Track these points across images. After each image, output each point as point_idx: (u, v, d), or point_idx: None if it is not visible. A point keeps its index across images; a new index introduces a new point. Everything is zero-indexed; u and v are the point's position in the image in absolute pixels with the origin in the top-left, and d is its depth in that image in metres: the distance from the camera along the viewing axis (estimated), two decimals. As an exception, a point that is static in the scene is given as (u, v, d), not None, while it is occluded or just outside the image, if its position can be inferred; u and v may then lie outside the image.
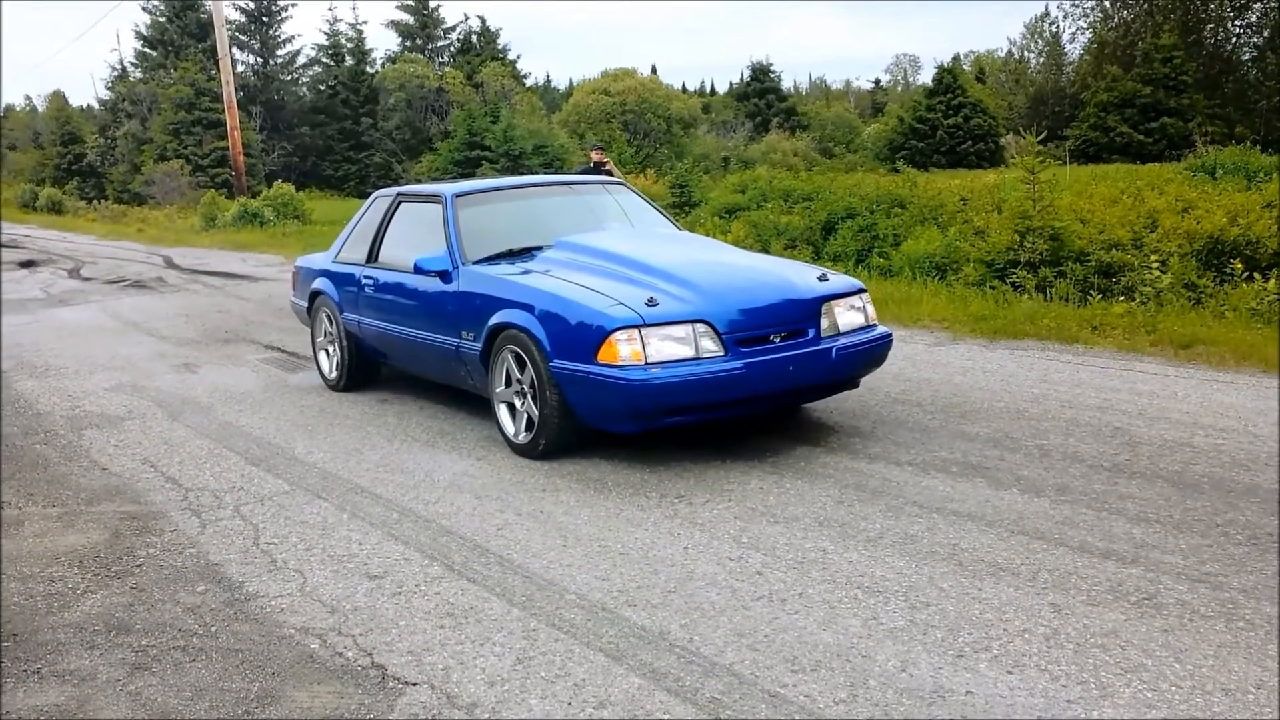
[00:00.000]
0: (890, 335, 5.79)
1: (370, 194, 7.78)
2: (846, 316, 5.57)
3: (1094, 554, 3.92)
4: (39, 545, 4.60)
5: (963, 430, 5.64)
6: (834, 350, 5.35)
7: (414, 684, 3.22)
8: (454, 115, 43.55)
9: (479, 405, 6.51)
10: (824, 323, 5.42)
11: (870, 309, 5.76)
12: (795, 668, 3.19)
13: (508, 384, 5.62)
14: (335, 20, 53.49)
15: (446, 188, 6.65)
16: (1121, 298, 8.72)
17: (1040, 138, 10.88)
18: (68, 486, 5.48)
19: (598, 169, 13.70)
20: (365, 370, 7.36)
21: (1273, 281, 8.20)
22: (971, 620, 3.45)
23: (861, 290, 5.75)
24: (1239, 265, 8.60)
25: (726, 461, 5.28)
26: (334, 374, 7.48)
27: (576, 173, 13.83)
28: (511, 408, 5.65)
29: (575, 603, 3.74)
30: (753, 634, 3.42)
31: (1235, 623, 3.34)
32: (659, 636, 3.44)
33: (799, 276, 5.67)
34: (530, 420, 5.48)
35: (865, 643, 3.33)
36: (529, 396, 5.45)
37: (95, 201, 43.78)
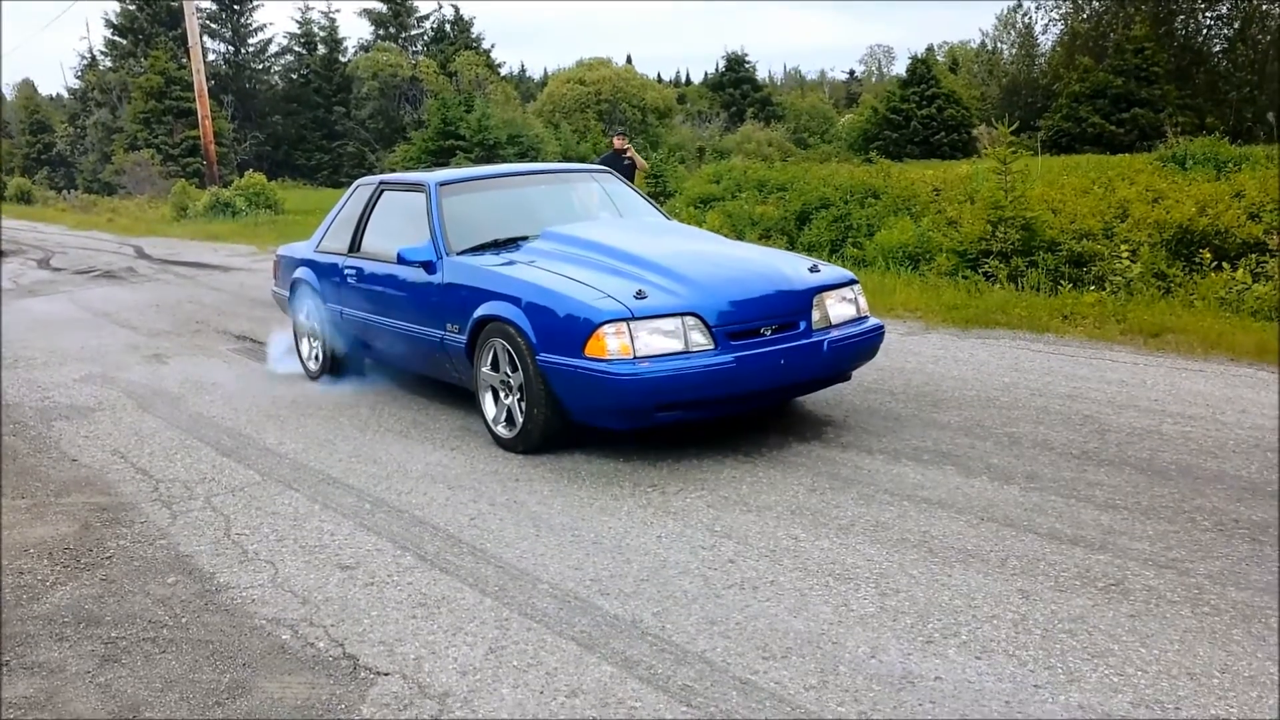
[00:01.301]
0: (882, 327, 5.74)
1: (348, 183, 7.72)
2: (838, 308, 5.51)
3: (1062, 540, 3.96)
4: (8, 537, 4.57)
5: (934, 419, 5.68)
6: (826, 343, 5.29)
7: (386, 674, 3.22)
8: (428, 104, 43.34)
9: (452, 396, 6.50)
10: (815, 315, 5.35)
11: (862, 300, 5.69)
12: (766, 655, 3.21)
13: (494, 369, 5.54)
14: (307, 8, 53.15)
15: (430, 176, 6.57)
16: (1092, 287, 8.79)
17: (1012, 128, 10.94)
18: (37, 478, 5.44)
19: (618, 157, 12.98)
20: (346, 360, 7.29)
21: (1241, 270, 8.29)
22: (941, 606, 3.47)
23: (854, 281, 5.69)
24: (1208, 255, 8.68)
25: (700, 451, 5.29)
26: (314, 363, 7.44)
27: (598, 161, 13.18)
28: (495, 394, 5.59)
29: (548, 592, 3.74)
30: (724, 622, 3.44)
31: (1201, 608, 3.38)
32: (631, 625, 3.45)
33: (790, 267, 5.59)
34: (514, 415, 5.44)
35: (836, 629, 3.35)
36: (515, 393, 5.39)
37: (65, 191, 43.39)
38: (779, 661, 3.17)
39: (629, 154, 13.03)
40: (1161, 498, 4.36)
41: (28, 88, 63.84)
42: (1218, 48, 45.87)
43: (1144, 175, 13.12)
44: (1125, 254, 8.90)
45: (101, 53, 51.43)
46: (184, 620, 3.68)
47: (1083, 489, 4.49)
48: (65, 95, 55.31)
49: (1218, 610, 3.36)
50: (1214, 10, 45.44)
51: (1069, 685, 2.96)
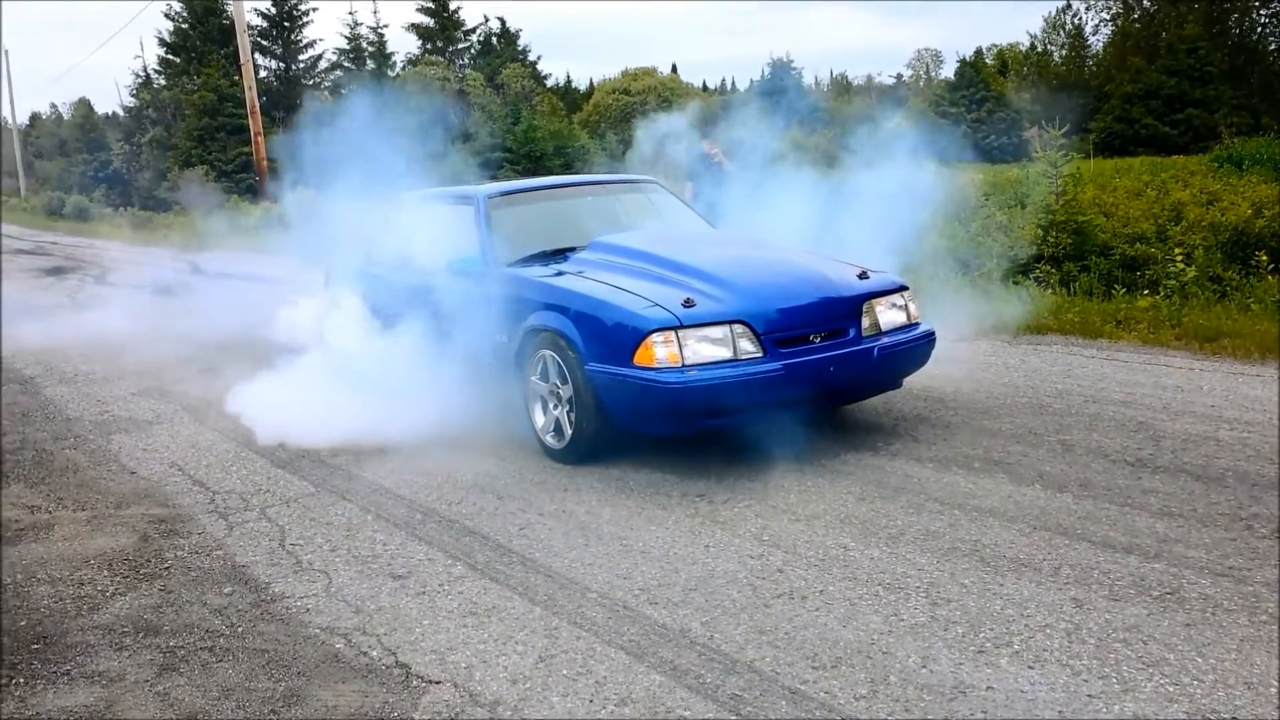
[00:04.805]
0: (933, 333, 5.67)
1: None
2: (888, 315, 5.47)
3: (1116, 549, 3.91)
4: (69, 549, 4.66)
5: (985, 426, 5.63)
6: (875, 350, 5.27)
7: (437, 682, 3.26)
8: (474, 117, 43.65)
9: (501, 406, 6.53)
10: (865, 321, 5.33)
11: (913, 306, 5.64)
12: (816, 665, 3.20)
13: (543, 379, 5.57)
14: (356, 24, 53.58)
15: (478, 189, 6.64)
16: (1146, 291, 8.68)
17: (1063, 131, 10.83)
18: (97, 490, 5.54)
19: (706, 160, 12.87)
20: None
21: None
22: (993, 616, 3.45)
23: (904, 287, 5.64)
24: (1264, 257, 8.53)
25: (747, 460, 5.28)
26: None
27: (694, 167, 13.12)
28: (544, 405, 5.62)
29: (597, 601, 3.76)
30: (773, 631, 3.44)
31: (1258, 616, 3.33)
32: (680, 634, 3.46)
33: (838, 274, 5.54)
34: (563, 425, 5.46)
35: (886, 639, 3.34)
36: (564, 405, 5.41)
37: (121, 208, 44.16)
38: (829, 671, 3.16)
39: (717, 157, 12.88)
40: (1218, 505, 4.29)
41: (84, 106, 65.00)
42: (1273, 46, 45.05)
43: (1198, 177, 12.95)
44: (1179, 257, 8.78)
45: (155, 71, 52.32)
46: (240, 630, 3.74)
47: (1137, 496, 4.44)
48: (121, 113, 56.24)
49: (1275, 618, 3.31)
50: (1269, 8, 44.65)
51: (1124, 695, 2.92)
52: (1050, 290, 9.19)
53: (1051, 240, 9.57)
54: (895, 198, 6.97)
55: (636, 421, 5.19)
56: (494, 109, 40.52)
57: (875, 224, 6.75)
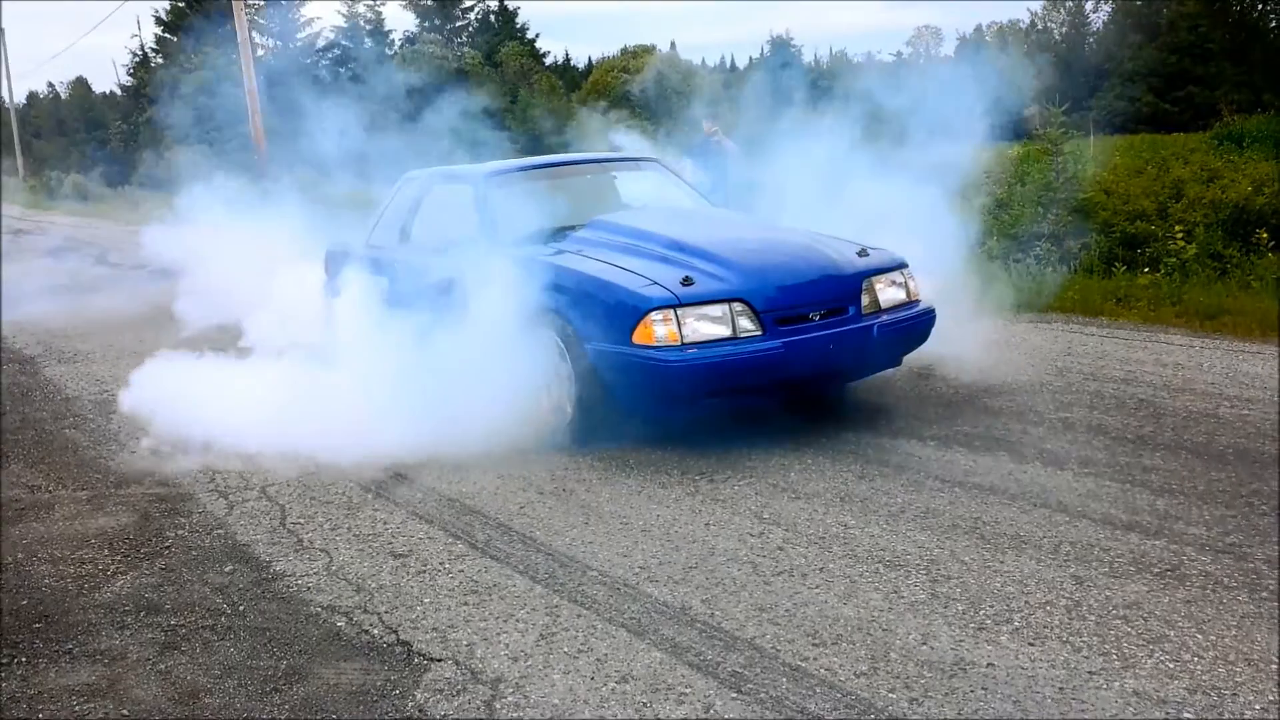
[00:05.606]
0: (933, 311, 5.64)
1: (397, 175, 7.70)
2: (888, 293, 5.46)
3: (1117, 526, 3.91)
4: (69, 528, 4.67)
5: (986, 404, 5.63)
6: (875, 328, 5.26)
7: (439, 660, 3.26)
8: (472, 96, 43.48)
9: (500, 385, 6.51)
10: (865, 300, 5.32)
11: (913, 284, 5.61)
12: (816, 641, 3.20)
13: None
14: (354, 2, 53.36)
15: (478, 168, 6.62)
16: (1146, 269, 8.67)
17: (1064, 109, 10.78)
18: (97, 470, 5.54)
19: (708, 141, 12.64)
20: None
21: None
22: (993, 593, 3.45)
23: (904, 265, 5.62)
24: (1264, 234, 8.51)
25: (748, 438, 5.28)
26: None
27: (693, 148, 12.86)
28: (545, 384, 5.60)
29: (597, 579, 3.76)
30: (774, 608, 3.44)
31: (1259, 593, 3.33)
32: (681, 612, 3.46)
33: (838, 252, 5.52)
34: (563, 404, 5.44)
35: (886, 616, 3.34)
36: (563, 381, 5.40)
37: (119, 188, 44.08)
38: (829, 648, 3.16)
39: (717, 136, 12.69)
40: (1218, 482, 4.29)
41: (82, 86, 64.75)
42: (1274, 23, 44.87)
43: (1199, 154, 12.90)
44: (1180, 235, 8.76)
45: (153, 50, 52.09)
46: (241, 608, 3.75)
47: (1138, 474, 4.44)
48: (118, 93, 56.01)
49: (1276, 595, 3.31)
50: (1269, -16, 44.45)
51: (1124, 672, 2.93)
52: (1050, 268, 9.17)
53: (1052, 218, 9.55)
54: (900, 174, 6.94)
55: (636, 402, 5.19)
56: (492, 88, 40.34)
57: (878, 201, 6.72)
